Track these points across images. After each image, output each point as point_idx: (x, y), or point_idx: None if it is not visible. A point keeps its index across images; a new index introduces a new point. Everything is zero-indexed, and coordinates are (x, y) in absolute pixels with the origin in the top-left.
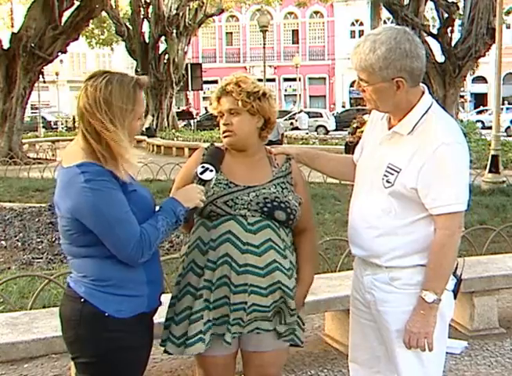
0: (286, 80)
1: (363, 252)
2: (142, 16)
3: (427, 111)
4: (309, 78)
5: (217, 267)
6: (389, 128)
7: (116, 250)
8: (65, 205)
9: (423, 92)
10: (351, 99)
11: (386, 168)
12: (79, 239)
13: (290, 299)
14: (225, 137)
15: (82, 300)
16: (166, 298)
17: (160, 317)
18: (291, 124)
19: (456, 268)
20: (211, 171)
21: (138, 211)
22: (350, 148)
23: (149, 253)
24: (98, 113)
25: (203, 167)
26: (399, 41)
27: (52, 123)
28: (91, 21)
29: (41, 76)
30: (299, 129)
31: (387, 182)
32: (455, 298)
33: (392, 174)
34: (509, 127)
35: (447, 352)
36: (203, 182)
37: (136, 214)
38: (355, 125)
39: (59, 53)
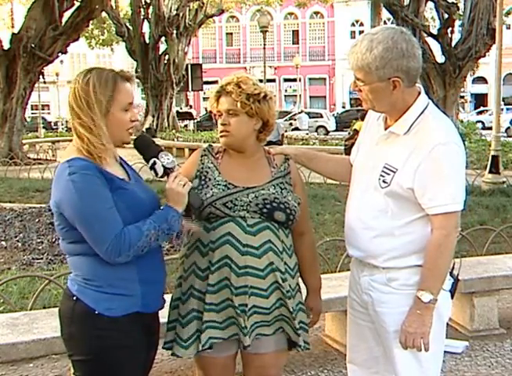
0: (286, 80)
1: (360, 253)
2: (142, 17)
3: (423, 111)
4: (309, 79)
5: (217, 269)
6: (385, 128)
7: (93, 245)
8: (53, 199)
9: (420, 93)
10: (351, 99)
11: (382, 168)
12: (68, 234)
13: (288, 300)
14: (221, 137)
15: (74, 298)
16: (167, 299)
17: (160, 318)
18: (290, 124)
19: (453, 268)
20: (154, 158)
21: (126, 209)
22: (347, 150)
23: (128, 254)
24: (76, 106)
25: (151, 168)
26: (396, 40)
27: (53, 123)
28: (91, 22)
29: (41, 76)
30: (299, 130)
31: (384, 182)
32: (452, 297)
33: (389, 174)
34: (509, 127)
35: (449, 352)
36: (169, 171)
37: (123, 211)
38: (353, 128)
39: (60, 54)
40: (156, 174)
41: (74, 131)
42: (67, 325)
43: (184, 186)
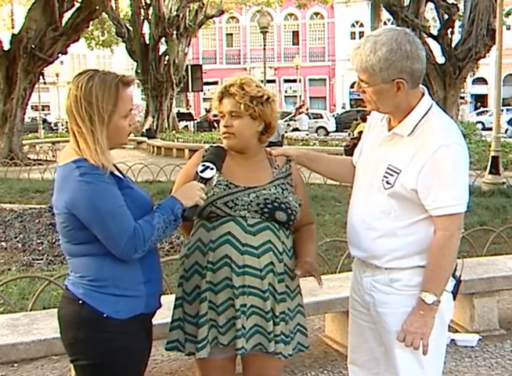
0: (286, 81)
1: (362, 253)
2: (142, 18)
3: (427, 112)
4: (309, 79)
5: (217, 269)
6: (389, 130)
7: (109, 244)
8: (61, 200)
9: (423, 94)
10: (351, 100)
11: (386, 169)
12: (76, 235)
13: (276, 304)
14: (224, 138)
15: (80, 302)
16: (166, 300)
17: (160, 319)
18: (288, 125)
19: (456, 269)
20: (212, 169)
21: (135, 208)
22: (348, 151)
23: (143, 249)
24: (76, 112)
25: (203, 165)
26: (400, 42)
27: (53, 124)
28: (91, 22)
29: (41, 77)
30: (299, 130)
31: (387, 183)
32: (454, 299)
33: (392, 175)
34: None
35: (464, 346)
36: (203, 181)
37: (133, 210)
38: (359, 130)
39: (60, 54)
40: (201, 172)
41: (72, 135)
42: (73, 330)
43: (201, 197)
